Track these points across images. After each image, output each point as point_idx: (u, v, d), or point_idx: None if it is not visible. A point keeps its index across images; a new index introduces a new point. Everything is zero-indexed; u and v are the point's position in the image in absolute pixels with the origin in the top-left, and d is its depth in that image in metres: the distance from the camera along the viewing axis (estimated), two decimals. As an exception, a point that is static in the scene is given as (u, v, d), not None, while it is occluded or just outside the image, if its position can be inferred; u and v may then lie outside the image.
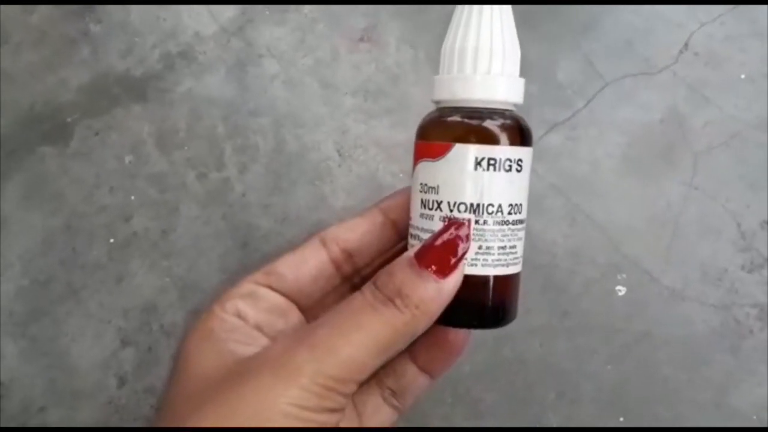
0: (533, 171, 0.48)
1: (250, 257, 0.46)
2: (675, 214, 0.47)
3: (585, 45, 0.51)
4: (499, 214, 0.24)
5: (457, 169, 0.24)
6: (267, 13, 0.50)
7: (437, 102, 0.27)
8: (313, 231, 0.46)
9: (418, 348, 0.28)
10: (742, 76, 0.50)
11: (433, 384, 0.29)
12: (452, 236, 0.23)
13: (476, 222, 0.24)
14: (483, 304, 0.25)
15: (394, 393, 0.28)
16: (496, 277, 0.25)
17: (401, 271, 0.23)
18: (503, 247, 0.24)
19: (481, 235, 0.24)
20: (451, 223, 0.24)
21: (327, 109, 0.49)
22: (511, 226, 0.25)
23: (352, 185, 0.47)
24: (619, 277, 0.46)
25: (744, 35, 0.51)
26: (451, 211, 0.24)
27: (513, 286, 0.26)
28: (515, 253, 0.25)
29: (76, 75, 0.49)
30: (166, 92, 0.48)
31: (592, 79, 0.50)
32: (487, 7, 0.26)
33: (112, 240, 0.46)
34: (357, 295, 0.23)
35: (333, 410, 0.22)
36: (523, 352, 0.45)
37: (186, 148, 0.47)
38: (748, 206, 0.47)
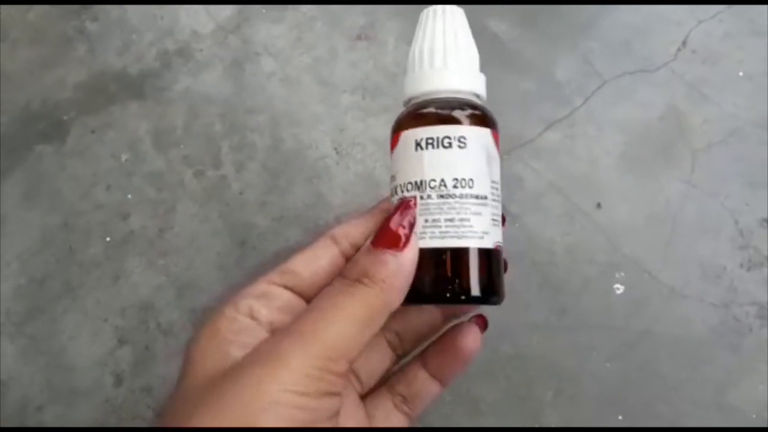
0: (531, 169, 0.48)
1: (248, 255, 0.45)
2: (674, 212, 0.47)
3: (583, 43, 0.51)
4: (443, 188, 0.26)
5: (404, 154, 0.27)
6: (264, 11, 0.50)
7: (404, 104, 0.29)
8: (311, 229, 0.46)
9: (429, 354, 0.29)
10: (741, 74, 0.50)
11: (444, 390, 0.29)
12: (399, 214, 0.25)
13: (421, 198, 0.26)
14: (442, 276, 0.26)
15: (405, 399, 0.29)
16: (451, 250, 0.26)
17: (363, 257, 0.24)
18: (451, 220, 0.26)
19: (426, 209, 0.26)
20: (398, 203, 0.26)
21: (324, 107, 0.49)
22: (458, 199, 0.26)
23: (350, 183, 0.47)
24: (617, 275, 0.46)
25: (742, 33, 0.51)
26: (402, 192, 0.26)
27: (475, 260, 0.26)
28: (470, 226, 0.26)
29: (73, 73, 0.49)
30: (163, 90, 0.48)
31: (591, 77, 0.50)
32: (440, 14, 0.28)
33: (108, 238, 0.46)
34: (329, 285, 0.25)
35: (330, 393, 0.22)
36: (522, 350, 0.45)
37: (183, 146, 0.47)
38: (747, 204, 0.47)
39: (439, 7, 0.28)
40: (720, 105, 0.49)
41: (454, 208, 0.26)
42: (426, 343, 0.29)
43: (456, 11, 0.28)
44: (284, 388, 0.21)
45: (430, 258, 0.26)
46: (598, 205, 0.43)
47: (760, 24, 0.51)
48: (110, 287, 0.45)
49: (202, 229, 0.46)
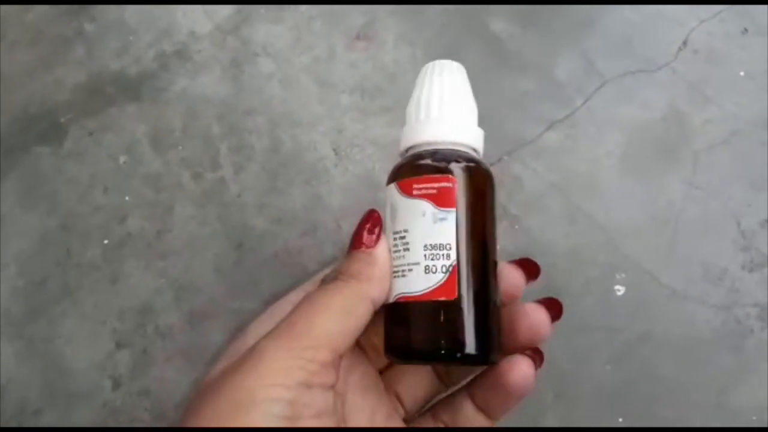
0: (531, 169, 0.47)
1: (246, 257, 0.45)
2: (675, 213, 0.47)
3: (584, 42, 0.50)
4: None
5: None
6: (263, 11, 0.50)
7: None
8: (309, 231, 0.46)
9: (477, 386, 0.28)
10: (742, 74, 0.50)
11: (492, 425, 0.28)
12: (366, 220, 0.26)
13: None
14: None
15: (448, 427, 0.28)
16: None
17: (341, 261, 0.26)
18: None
19: None
20: (365, 213, 0.27)
21: (323, 107, 0.48)
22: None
23: (349, 185, 0.47)
24: (618, 276, 0.46)
25: (743, 32, 0.51)
26: None
27: (404, 311, 0.26)
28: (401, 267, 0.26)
29: (71, 74, 0.48)
30: (161, 91, 0.48)
31: (592, 77, 0.49)
32: (436, 73, 0.28)
33: (106, 241, 0.45)
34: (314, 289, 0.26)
35: (311, 385, 0.22)
36: (522, 353, 0.44)
37: (181, 147, 0.47)
38: (749, 205, 0.47)
39: (446, 68, 0.28)
40: (721, 105, 0.49)
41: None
42: (474, 374, 0.28)
43: (454, 67, 0.28)
44: (263, 383, 0.21)
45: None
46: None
47: (762, 23, 0.51)
48: (108, 290, 0.45)
49: (201, 231, 0.46)
